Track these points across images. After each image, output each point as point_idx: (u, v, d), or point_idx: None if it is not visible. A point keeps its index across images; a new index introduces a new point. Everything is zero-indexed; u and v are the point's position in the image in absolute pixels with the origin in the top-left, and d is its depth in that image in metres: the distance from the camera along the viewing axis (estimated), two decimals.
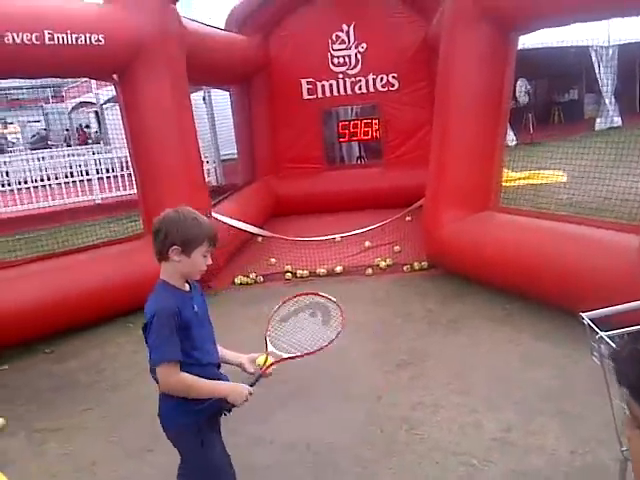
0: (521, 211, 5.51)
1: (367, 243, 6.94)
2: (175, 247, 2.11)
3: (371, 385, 3.83)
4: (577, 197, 7.67)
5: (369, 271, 6.08)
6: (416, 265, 5.99)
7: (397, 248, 6.65)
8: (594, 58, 16.09)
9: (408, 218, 7.53)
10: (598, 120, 16.54)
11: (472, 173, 5.34)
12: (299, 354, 2.28)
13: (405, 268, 6.00)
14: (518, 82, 16.29)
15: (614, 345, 2.16)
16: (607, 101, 16.41)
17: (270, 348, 2.28)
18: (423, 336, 4.47)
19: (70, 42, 5.17)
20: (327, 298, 2.46)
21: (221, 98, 13.14)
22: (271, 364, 2.23)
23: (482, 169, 5.37)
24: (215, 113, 13.12)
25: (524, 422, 3.23)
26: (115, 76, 5.96)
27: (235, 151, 10.87)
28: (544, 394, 3.47)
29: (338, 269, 6.18)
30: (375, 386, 3.81)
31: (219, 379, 2.25)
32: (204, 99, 13.12)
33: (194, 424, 2.21)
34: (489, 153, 5.38)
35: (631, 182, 6.99)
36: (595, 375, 3.49)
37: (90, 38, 5.31)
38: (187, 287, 2.22)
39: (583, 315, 2.29)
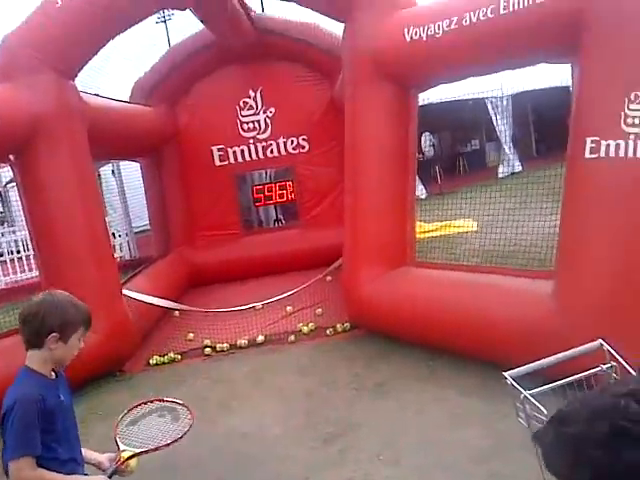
0: (436, 265, 5.57)
1: (289, 308, 6.79)
2: (54, 334, 2.04)
3: (298, 464, 3.61)
4: (488, 245, 7.90)
5: (292, 338, 5.91)
6: (339, 327, 5.88)
7: (319, 311, 6.54)
8: (490, 109, 17.10)
9: (329, 278, 7.48)
10: (500, 168, 17.43)
11: (386, 229, 5.36)
12: (152, 447, 2.28)
13: (328, 331, 5.88)
14: (423, 136, 16.98)
15: (539, 405, 2.11)
16: (507, 149, 17.37)
17: (122, 447, 2.26)
18: (350, 404, 4.31)
19: None
20: (173, 402, 2.54)
21: (133, 169, 12.87)
22: (127, 459, 2.21)
23: (395, 224, 5.41)
24: (126, 184, 12.79)
25: None
26: (12, 157, 5.67)
27: (146, 223, 10.59)
28: (475, 455, 3.37)
29: (260, 339, 5.97)
30: (303, 465, 3.59)
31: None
32: (113, 172, 12.80)
33: None
34: (401, 207, 5.44)
35: (537, 227, 7.27)
36: (523, 430, 3.46)
37: None
38: (53, 375, 2.13)
39: (506, 375, 2.23)
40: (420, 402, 4.15)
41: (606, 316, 3.53)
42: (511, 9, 4.53)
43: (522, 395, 2.20)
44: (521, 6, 4.46)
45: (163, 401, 2.54)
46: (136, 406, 2.48)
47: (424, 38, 5.12)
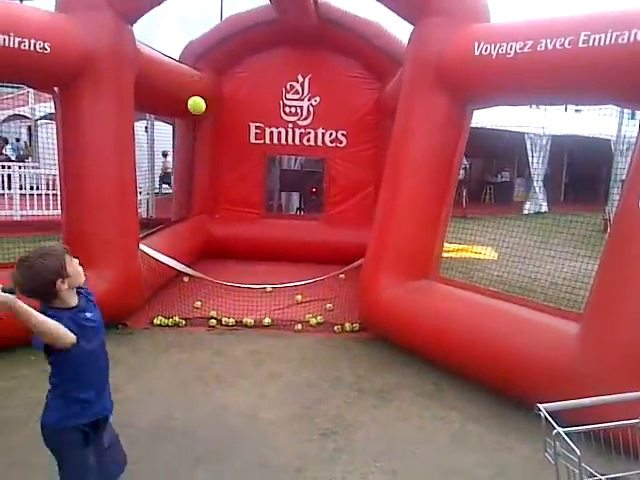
0: (459, 283, 5.44)
1: (299, 297, 6.71)
2: (59, 281, 2.25)
3: (291, 454, 3.52)
4: (507, 275, 7.80)
5: (298, 327, 5.82)
6: (347, 326, 5.79)
7: (329, 306, 6.45)
8: (528, 145, 16.97)
9: (342, 276, 7.40)
10: (527, 204, 17.31)
11: (416, 240, 5.26)
12: None
13: (336, 328, 5.79)
14: None
15: (573, 445, 2.02)
16: (536, 187, 17.24)
17: None
18: (350, 405, 4.22)
19: (11, 45, 4.83)
20: None
21: (163, 132, 12.83)
22: None
23: (427, 237, 5.30)
24: (156, 145, 12.75)
25: None
26: (56, 89, 5.61)
27: (168, 187, 10.53)
28: None
29: (266, 321, 5.88)
30: (296, 456, 3.50)
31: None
32: (146, 129, 12.74)
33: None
34: (434, 222, 5.33)
35: (557, 265, 7.19)
36: (527, 466, 3.37)
37: (35, 45, 4.99)
38: (74, 301, 2.35)
39: (540, 407, 2.13)
40: (422, 418, 4.05)
41: (633, 373, 3.42)
42: (590, 43, 4.41)
43: (555, 431, 2.10)
44: (602, 43, 4.33)
45: None
46: None
47: (494, 56, 5.00)
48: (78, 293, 2.37)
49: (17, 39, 4.86)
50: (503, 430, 3.85)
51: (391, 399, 4.32)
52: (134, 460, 3.35)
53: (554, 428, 2.10)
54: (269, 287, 6.82)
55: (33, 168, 12.99)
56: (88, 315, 2.35)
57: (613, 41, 4.28)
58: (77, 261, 2.35)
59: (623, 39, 4.22)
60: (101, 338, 2.46)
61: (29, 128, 19.29)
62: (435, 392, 4.46)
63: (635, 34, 4.15)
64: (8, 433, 3.64)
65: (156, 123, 12.79)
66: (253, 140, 9.29)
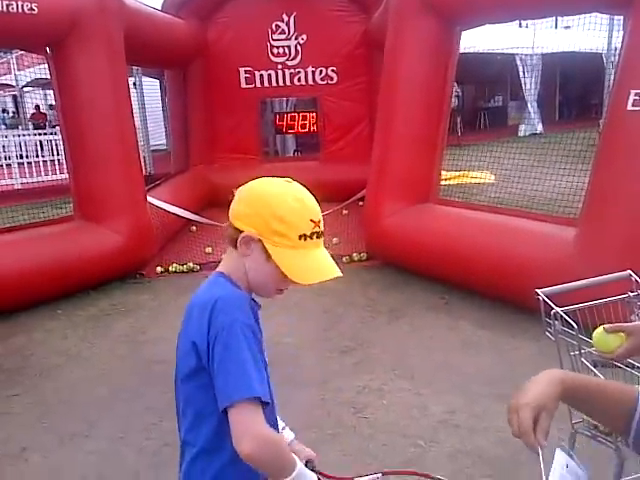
0: (459, 203, 5.63)
1: None
2: None
3: (316, 371, 3.79)
4: (505, 195, 7.97)
5: None
6: (355, 256, 6.01)
7: (335, 240, 6.65)
8: (519, 65, 16.79)
9: (345, 212, 7.57)
10: (522, 126, 17.29)
11: (415, 165, 5.41)
12: None
13: (344, 259, 6.01)
14: None
15: (570, 320, 2.23)
16: (530, 108, 17.18)
17: None
18: (366, 324, 4.48)
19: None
20: None
21: (151, 87, 12.74)
22: None
23: (424, 162, 5.45)
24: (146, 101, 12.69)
25: (468, 405, 3.29)
26: (48, 50, 5.65)
27: (161, 142, 10.56)
28: (485, 379, 3.54)
29: None
30: (320, 371, 3.77)
31: None
32: (135, 84, 12.63)
33: None
34: (431, 146, 5.47)
35: (554, 182, 7.34)
36: (534, 361, 3.63)
37: (22, 6, 5.02)
38: None
39: (538, 291, 2.33)
40: (433, 328, 4.32)
41: (627, 264, 3.63)
42: None
43: (553, 311, 2.31)
44: None
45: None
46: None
47: None
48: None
49: (4, 2, 4.89)
50: (511, 333, 4.10)
51: (402, 316, 4.58)
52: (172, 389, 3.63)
53: (552, 308, 2.31)
54: None
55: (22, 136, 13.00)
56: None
57: None
58: None
59: None
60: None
61: (14, 97, 19.10)
62: (444, 305, 4.71)
63: None
64: (50, 376, 3.91)
65: (144, 78, 12.68)
66: (244, 85, 9.28)
